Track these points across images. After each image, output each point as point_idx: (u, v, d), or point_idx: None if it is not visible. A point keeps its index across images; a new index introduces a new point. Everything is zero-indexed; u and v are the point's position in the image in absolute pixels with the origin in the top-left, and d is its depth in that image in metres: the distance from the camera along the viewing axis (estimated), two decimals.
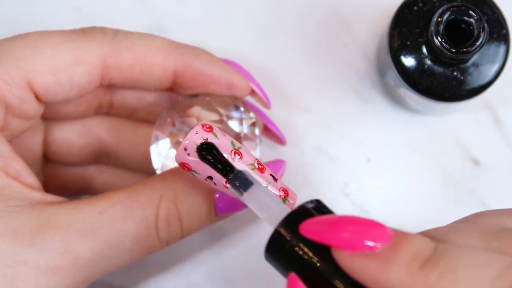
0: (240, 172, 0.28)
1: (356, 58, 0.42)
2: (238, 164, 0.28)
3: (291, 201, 0.29)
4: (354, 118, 0.41)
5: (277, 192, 0.29)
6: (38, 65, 0.31)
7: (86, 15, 0.42)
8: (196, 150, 0.29)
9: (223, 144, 0.29)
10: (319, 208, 0.26)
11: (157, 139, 0.34)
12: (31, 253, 0.28)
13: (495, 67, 0.36)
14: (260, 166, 0.29)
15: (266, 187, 0.29)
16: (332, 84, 0.42)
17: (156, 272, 0.41)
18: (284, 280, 0.25)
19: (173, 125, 0.34)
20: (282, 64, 0.42)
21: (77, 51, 0.32)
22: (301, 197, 0.41)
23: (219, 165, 0.29)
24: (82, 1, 0.42)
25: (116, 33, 0.33)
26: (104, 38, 0.32)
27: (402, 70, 0.36)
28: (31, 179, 0.31)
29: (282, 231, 0.25)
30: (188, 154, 0.28)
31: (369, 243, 0.23)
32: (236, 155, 0.29)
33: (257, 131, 0.35)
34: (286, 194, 0.29)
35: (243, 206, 0.31)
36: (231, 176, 0.28)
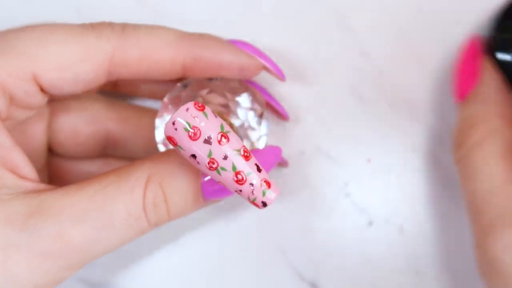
0: None
1: (356, 58, 0.42)
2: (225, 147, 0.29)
3: (273, 193, 0.29)
4: (354, 118, 0.41)
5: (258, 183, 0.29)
6: (44, 61, 0.31)
7: (86, 15, 0.42)
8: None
9: (212, 125, 0.28)
10: None
11: (164, 111, 0.34)
12: (23, 237, 0.29)
13: None
14: (246, 154, 0.29)
15: None
16: (332, 84, 0.42)
17: (156, 272, 0.41)
18: None
19: (183, 101, 0.34)
20: (281, 64, 0.42)
21: (84, 48, 0.31)
22: (301, 197, 0.41)
23: None
24: (82, 1, 0.42)
25: (124, 28, 0.33)
26: (112, 34, 0.32)
27: None
28: (28, 169, 0.31)
29: None
30: (176, 129, 0.28)
31: None
32: (223, 138, 0.28)
33: (264, 123, 0.35)
34: (268, 186, 0.29)
35: (231, 192, 0.31)
36: None
